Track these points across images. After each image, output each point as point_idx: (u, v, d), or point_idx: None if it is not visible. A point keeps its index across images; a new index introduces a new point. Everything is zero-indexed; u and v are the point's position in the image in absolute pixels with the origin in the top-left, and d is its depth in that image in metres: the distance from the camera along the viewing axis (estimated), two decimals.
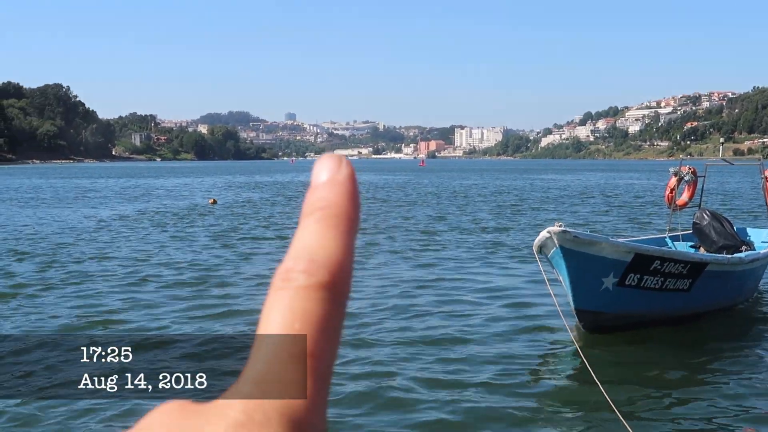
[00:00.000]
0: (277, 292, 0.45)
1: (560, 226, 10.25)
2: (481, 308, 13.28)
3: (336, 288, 0.45)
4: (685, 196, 16.30)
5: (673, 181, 16.00)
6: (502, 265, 18.13)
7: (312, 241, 0.47)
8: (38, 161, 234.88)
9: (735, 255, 13.24)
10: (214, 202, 43.31)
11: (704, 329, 11.91)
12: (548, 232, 10.26)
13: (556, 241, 10.23)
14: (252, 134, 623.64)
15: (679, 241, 15.95)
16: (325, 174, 0.52)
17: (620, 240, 11.84)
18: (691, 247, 15.47)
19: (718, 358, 10.36)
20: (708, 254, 13.50)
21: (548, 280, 10.66)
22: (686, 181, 16.13)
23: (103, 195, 51.79)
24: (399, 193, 53.94)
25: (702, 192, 16.58)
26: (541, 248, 10.54)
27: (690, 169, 16.16)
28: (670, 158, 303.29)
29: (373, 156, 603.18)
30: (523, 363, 9.96)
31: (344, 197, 0.49)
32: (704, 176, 16.49)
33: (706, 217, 14.98)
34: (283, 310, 0.43)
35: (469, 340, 11.02)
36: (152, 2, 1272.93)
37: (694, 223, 15.20)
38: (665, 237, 16.30)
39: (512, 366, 9.78)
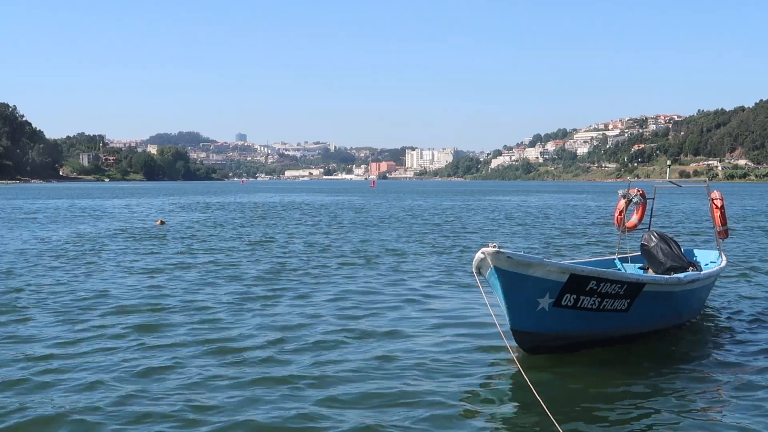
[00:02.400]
0: None
1: (494, 246, 10.12)
2: (423, 330, 13.14)
3: None
4: (634, 218, 16.30)
5: (622, 203, 15.99)
6: (443, 286, 17.97)
7: None
8: None
9: (673, 275, 13.23)
10: (162, 223, 42.83)
11: (644, 349, 11.86)
12: (482, 252, 10.16)
13: (490, 262, 10.14)
14: (202, 155, 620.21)
15: (627, 262, 15.94)
16: None
17: (554, 261, 11.72)
18: (640, 268, 15.49)
19: (658, 378, 10.35)
20: (645, 275, 13.51)
21: (488, 300, 10.59)
22: (635, 203, 16.13)
23: (48, 216, 50.81)
24: (349, 213, 53.67)
25: (651, 213, 16.60)
26: (479, 269, 10.42)
27: (638, 191, 16.17)
28: (618, 180, 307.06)
29: (324, 177, 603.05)
30: (464, 384, 9.90)
31: None
32: (653, 198, 16.51)
33: (653, 238, 15.02)
34: None
35: (409, 361, 10.91)
36: (101, 21, 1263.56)
37: (642, 245, 15.24)
38: (614, 258, 16.29)
39: (453, 387, 9.72)
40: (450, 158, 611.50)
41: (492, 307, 10.60)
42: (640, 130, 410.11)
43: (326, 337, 12.45)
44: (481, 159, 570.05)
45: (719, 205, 15.65)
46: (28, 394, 9.29)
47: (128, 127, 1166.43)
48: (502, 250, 10.14)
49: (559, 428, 7.92)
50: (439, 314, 14.56)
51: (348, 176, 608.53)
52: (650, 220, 16.59)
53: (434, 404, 9.02)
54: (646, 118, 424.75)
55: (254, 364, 10.71)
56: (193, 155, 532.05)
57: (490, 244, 10.17)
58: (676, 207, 63.85)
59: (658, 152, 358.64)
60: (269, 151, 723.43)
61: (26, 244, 28.85)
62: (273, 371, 10.33)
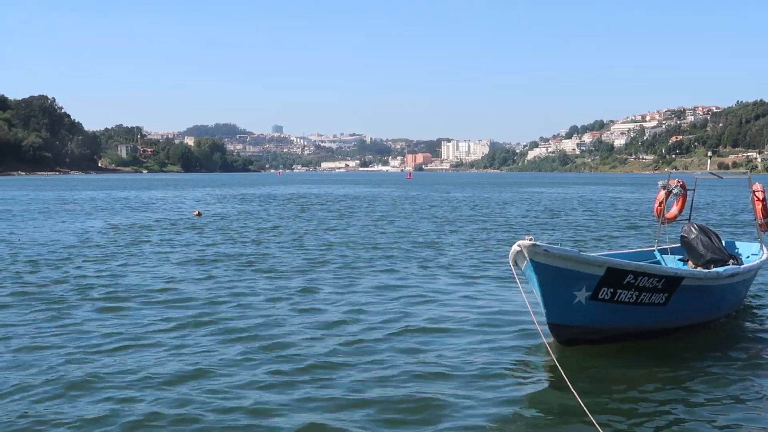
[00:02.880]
0: None
1: (530, 239, 10.09)
2: (459, 323, 13.10)
3: None
4: (674, 210, 16.13)
5: (662, 194, 15.82)
6: (480, 279, 17.91)
7: None
8: (23, 173, 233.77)
9: (713, 269, 13.13)
10: (199, 214, 43.11)
11: (682, 343, 11.76)
12: (518, 245, 10.12)
13: (526, 255, 10.11)
14: (239, 146, 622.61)
15: (667, 254, 15.79)
16: None
17: (592, 254, 11.64)
18: (680, 260, 15.34)
19: (696, 372, 10.27)
20: (684, 269, 13.41)
21: (525, 293, 10.57)
22: (675, 195, 15.97)
23: (86, 208, 51.34)
24: (386, 206, 53.62)
25: (692, 205, 16.42)
26: (516, 262, 10.41)
27: (678, 182, 16.00)
28: (656, 171, 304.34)
29: (360, 168, 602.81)
30: (500, 376, 9.90)
31: None
32: (693, 189, 16.33)
33: (693, 230, 14.86)
34: None
35: (445, 353, 10.94)
36: (140, 15, 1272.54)
37: (682, 237, 15.08)
38: (654, 250, 16.13)
39: (489, 379, 9.73)
40: (486, 150, 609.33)
41: (529, 299, 10.54)
42: (678, 122, 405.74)
43: (366, 333, 12.44)
44: (518, 150, 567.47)
45: (761, 197, 15.44)
46: (75, 390, 9.36)
47: (166, 119, 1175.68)
48: (538, 243, 10.09)
49: (594, 420, 7.91)
50: (475, 307, 14.50)
51: (384, 168, 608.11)
52: (690, 212, 16.41)
53: (470, 396, 9.02)
54: (684, 110, 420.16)
55: (297, 361, 10.63)
56: (230, 147, 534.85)
57: (526, 237, 10.14)
58: (717, 199, 63.29)
59: (696, 144, 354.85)
60: (305, 143, 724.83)
61: (66, 235, 29.15)
62: (320, 371, 10.34)
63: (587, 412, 8.08)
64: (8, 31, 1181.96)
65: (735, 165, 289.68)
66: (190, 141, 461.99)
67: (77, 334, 11.95)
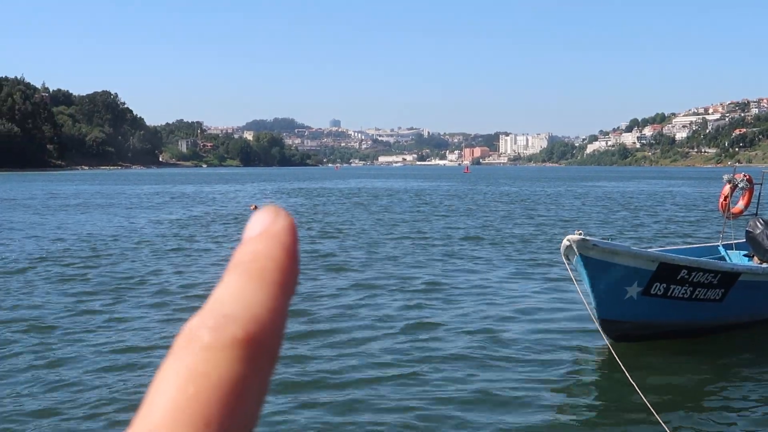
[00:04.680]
0: (176, 353, 0.38)
1: (580, 234, 10.02)
2: (518, 314, 13.05)
3: (254, 345, 0.39)
4: (740, 204, 15.74)
5: (727, 188, 15.43)
6: (537, 271, 17.72)
7: (229, 294, 0.40)
8: (87, 167, 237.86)
9: None
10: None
11: (740, 340, 11.55)
12: (568, 240, 10.06)
13: (576, 250, 10.01)
14: (297, 141, 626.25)
15: (732, 249, 15.41)
16: (259, 227, 0.44)
17: (644, 249, 11.46)
18: (745, 255, 14.97)
19: (753, 368, 10.08)
20: (740, 264, 13.14)
21: (579, 287, 10.48)
22: (741, 189, 15.57)
23: (145, 202, 52.02)
24: (443, 198, 53.46)
25: (759, 200, 15.99)
26: (567, 256, 10.35)
27: (745, 176, 15.58)
28: (718, 165, 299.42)
29: (418, 163, 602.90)
30: (558, 369, 9.84)
31: (277, 249, 0.42)
32: (761, 183, 15.89)
33: (759, 225, 14.47)
34: (177, 373, 0.37)
35: (505, 346, 10.89)
36: (200, 11, 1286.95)
37: (747, 232, 14.70)
38: (718, 245, 15.75)
39: (547, 373, 9.67)
40: (544, 143, 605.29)
41: (584, 294, 10.46)
42: (742, 114, 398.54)
43: (418, 325, 12.35)
44: (576, 144, 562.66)
45: None
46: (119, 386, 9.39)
47: (225, 113, 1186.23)
48: (587, 237, 10.02)
49: (656, 414, 7.78)
50: (533, 301, 14.42)
51: (441, 162, 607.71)
52: (758, 207, 15.98)
53: (529, 389, 8.96)
54: (748, 102, 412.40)
55: (362, 356, 10.62)
56: (288, 141, 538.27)
57: (576, 232, 10.03)
58: None
59: (760, 137, 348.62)
60: (363, 137, 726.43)
61: (133, 229, 29.49)
62: (392, 363, 10.28)
63: (649, 406, 7.98)
64: (72, 27, 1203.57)
65: None
66: (249, 135, 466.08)
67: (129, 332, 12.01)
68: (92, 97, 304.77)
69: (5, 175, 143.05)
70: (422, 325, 12.16)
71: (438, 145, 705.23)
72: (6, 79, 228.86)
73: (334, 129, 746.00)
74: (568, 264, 10.50)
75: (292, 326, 12.02)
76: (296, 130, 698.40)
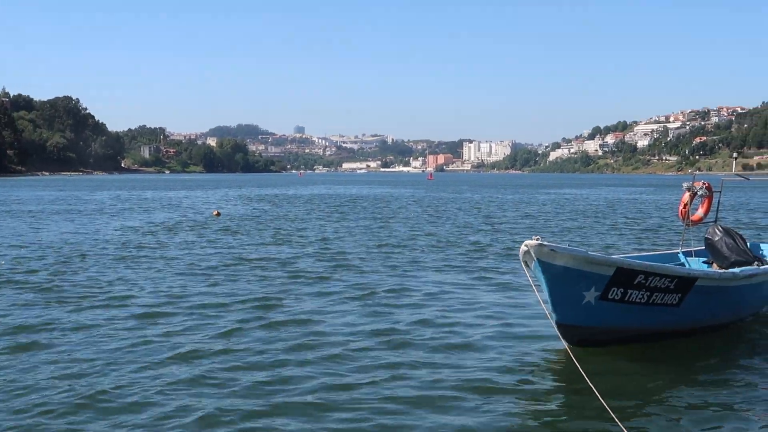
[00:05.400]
0: None
1: (537, 239, 10.06)
2: (476, 319, 13.04)
3: None
4: (700, 212, 15.88)
5: (687, 196, 15.57)
6: (494, 278, 17.79)
7: None
8: (48, 173, 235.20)
9: (729, 270, 12.94)
10: (218, 214, 43.16)
11: (697, 345, 11.58)
12: (526, 245, 10.11)
13: (533, 255, 10.06)
14: (261, 147, 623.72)
15: (692, 256, 15.56)
16: None
17: (600, 254, 11.51)
18: (704, 262, 15.12)
19: (712, 372, 10.18)
20: (696, 269, 13.29)
21: (538, 291, 10.52)
22: (700, 197, 15.71)
23: (109, 208, 51.53)
24: (415, 207, 53.52)
25: (718, 207, 16.14)
26: (526, 262, 10.37)
27: (704, 184, 15.72)
28: (679, 173, 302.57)
29: (382, 169, 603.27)
30: (518, 375, 9.86)
31: None
32: (720, 191, 16.03)
33: (718, 232, 14.66)
34: None
35: (462, 351, 10.94)
36: (162, 15, 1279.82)
37: (706, 239, 14.88)
38: (678, 252, 15.88)
39: (507, 378, 9.68)
40: (508, 151, 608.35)
41: (542, 299, 10.49)
42: (702, 123, 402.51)
43: (374, 331, 12.26)
44: (540, 151, 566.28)
45: None
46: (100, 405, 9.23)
47: (188, 120, 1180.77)
48: (545, 243, 10.04)
49: (616, 418, 7.87)
50: (492, 306, 14.41)
51: (405, 168, 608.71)
52: (717, 215, 16.12)
53: (486, 394, 9.01)
54: (708, 110, 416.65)
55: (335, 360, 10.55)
56: (252, 147, 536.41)
57: (533, 237, 10.11)
58: (743, 201, 62.67)
59: (720, 145, 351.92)
60: (327, 144, 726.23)
61: (90, 237, 29.15)
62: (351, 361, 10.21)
63: (608, 409, 8.08)
64: (31, 32, 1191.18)
65: (760, 166, 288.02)
66: (212, 142, 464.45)
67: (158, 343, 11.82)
68: (53, 102, 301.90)
69: None
70: (379, 331, 12.09)
71: (402, 152, 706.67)
72: None
73: (298, 135, 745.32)
74: (527, 269, 10.51)
75: (254, 333, 11.92)
76: (260, 137, 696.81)
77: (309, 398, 8.80)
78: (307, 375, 9.70)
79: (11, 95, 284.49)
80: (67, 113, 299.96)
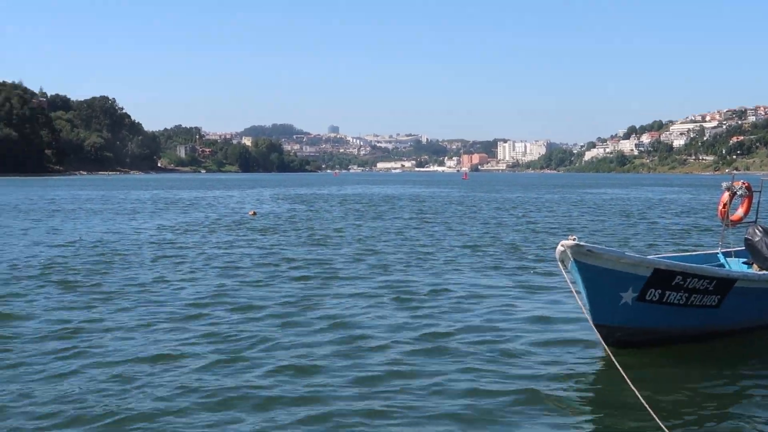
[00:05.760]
0: None
1: (574, 239, 10.07)
2: (516, 322, 12.98)
3: None
4: (740, 212, 15.69)
5: (726, 196, 15.39)
6: (532, 279, 17.69)
7: None
8: (85, 173, 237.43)
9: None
10: (254, 214, 43.45)
11: (738, 347, 11.47)
12: (562, 245, 10.11)
13: (570, 255, 10.07)
14: (296, 146, 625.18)
15: (731, 257, 15.39)
16: None
17: (637, 255, 11.46)
18: (744, 263, 14.94)
19: (752, 373, 10.09)
20: (736, 270, 13.17)
21: (576, 292, 10.52)
22: (740, 196, 15.52)
23: (145, 208, 52.00)
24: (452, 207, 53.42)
25: (758, 207, 15.96)
26: (563, 262, 10.39)
27: (744, 183, 15.54)
28: (716, 173, 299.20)
29: (416, 169, 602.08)
30: (557, 376, 9.80)
31: None
32: (759, 191, 15.85)
33: (758, 233, 14.45)
34: None
35: (500, 355, 10.80)
36: (197, 16, 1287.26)
37: (746, 239, 14.68)
38: (718, 253, 15.72)
39: (546, 379, 9.62)
40: (543, 150, 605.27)
41: (580, 300, 10.53)
42: (739, 122, 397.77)
43: (416, 335, 12.27)
44: (575, 151, 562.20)
45: None
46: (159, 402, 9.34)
47: (223, 119, 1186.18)
48: (581, 243, 10.04)
49: (657, 418, 7.80)
50: (531, 307, 14.34)
51: (440, 168, 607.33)
52: (757, 215, 15.95)
53: (527, 397, 8.95)
54: (745, 110, 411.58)
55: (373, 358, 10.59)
56: (286, 147, 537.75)
57: (570, 237, 10.10)
58: None
59: (758, 144, 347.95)
60: (361, 143, 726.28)
61: (128, 236, 29.45)
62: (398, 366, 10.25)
63: (649, 410, 8.01)
64: (71, 32, 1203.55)
65: None
66: (247, 141, 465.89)
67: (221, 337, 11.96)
68: (90, 102, 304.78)
69: (3, 179, 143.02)
70: (418, 335, 12.02)
71: (436, 151, 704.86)
72: (4, 83, 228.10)
73: (333, 135, 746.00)
74: (563, 269, 10.54)
75: (292, 335, 11.98)
76: (295, 136, 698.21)
77: (347, 406, 8.74)
78: (344, 382, 9.64)
79: (49, 95, 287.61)
80: (104, 113, 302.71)
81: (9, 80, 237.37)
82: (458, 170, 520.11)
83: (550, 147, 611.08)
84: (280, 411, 8.41)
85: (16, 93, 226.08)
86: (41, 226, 33.37)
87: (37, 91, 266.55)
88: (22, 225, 34.20)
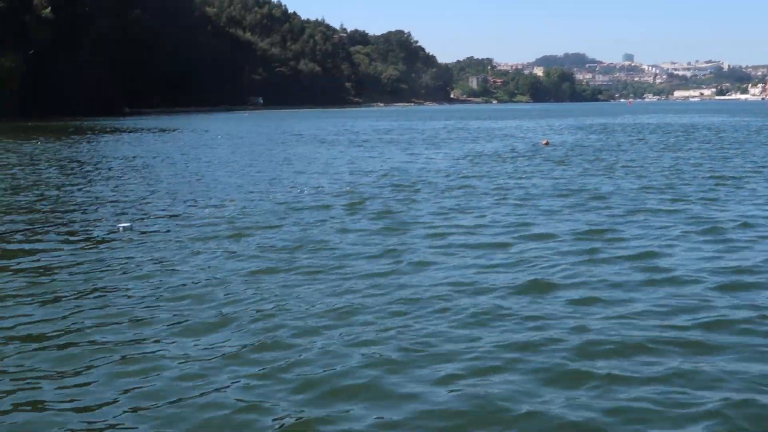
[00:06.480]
0: None
1: None
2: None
3: None
4: None
5: None
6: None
7: None
8: (382, 104, 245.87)
9: None
10: (547, 143, 43.69)
11: None
12: None
13: None
14: (588, 76, 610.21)
15: None
16: None
17: None
18: None
19: None
20: None
21: None
22: None
23: (453, 137, 53.14)
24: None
25: None
26: None
27: None
28: None
29: (716, 97, 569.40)
30: None
31: None
32: None
33: None
34: None
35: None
36: None
37: None
38: None
39: None
40: None
41: None
42: None
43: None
44: None
45: None
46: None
47: (515, 50, 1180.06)
48: None
49: None
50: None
51: (743, 96, 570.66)
52: None
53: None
54: None
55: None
56: (578, 76, 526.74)
57: None
58: None
59: None
60: (657, 71, 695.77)
61: (425, 166, 30.41)
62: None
63: None
64: None
65: None
66: (538, 71, 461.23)
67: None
68: (387, 37, 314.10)
69: (309, 111, 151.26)
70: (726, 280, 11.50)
71: (739, 78, 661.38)
72: (308, 21, 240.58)
73: (627, 63, 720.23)
74: None
75: (594, 268, 11.94)
76: (587, 65, 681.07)
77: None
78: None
79: (348, 31, 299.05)
80: (400, 46, 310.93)
81: (312, 18, 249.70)
82: (763, 98, 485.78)
83: None
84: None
85: (319, 30, 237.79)
86: (350, 155, 35.11)
87: (337, 27, 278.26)
88: (329, 154, 36.16)
